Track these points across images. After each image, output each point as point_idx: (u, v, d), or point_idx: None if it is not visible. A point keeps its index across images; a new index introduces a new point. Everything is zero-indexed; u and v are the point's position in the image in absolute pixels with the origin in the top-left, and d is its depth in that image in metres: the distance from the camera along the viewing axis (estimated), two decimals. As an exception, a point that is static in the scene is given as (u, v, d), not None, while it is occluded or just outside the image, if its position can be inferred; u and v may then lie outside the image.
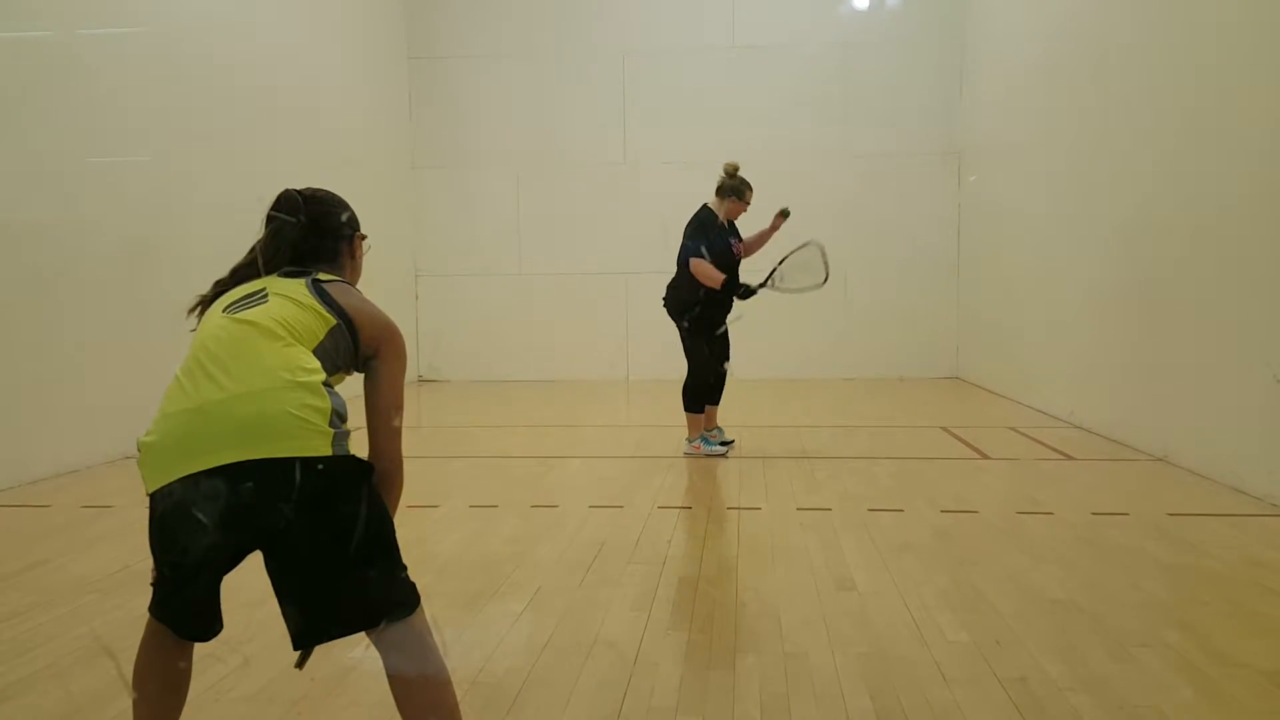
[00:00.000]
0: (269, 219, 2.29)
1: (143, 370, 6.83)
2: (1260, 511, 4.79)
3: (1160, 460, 6.02)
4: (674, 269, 6.54)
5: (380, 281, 12.02)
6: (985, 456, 6.48)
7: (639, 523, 4.75)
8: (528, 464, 6.46)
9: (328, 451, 1.93)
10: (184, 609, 2.11)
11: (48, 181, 6.00)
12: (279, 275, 2.19)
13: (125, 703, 2.71)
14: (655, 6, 11.60)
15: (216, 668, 2.97)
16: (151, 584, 2.12)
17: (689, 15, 11.55)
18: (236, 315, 2.03)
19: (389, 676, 2.08)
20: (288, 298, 2.08)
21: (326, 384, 2.01)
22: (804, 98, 11.35)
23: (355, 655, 3.07)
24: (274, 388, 1.92)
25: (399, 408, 2.20)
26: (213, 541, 1.93)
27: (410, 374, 11.96)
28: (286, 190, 2.31)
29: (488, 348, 11.86)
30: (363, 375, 2.19)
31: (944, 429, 7.61)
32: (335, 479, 1.94)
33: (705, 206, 6.58)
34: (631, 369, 11.64)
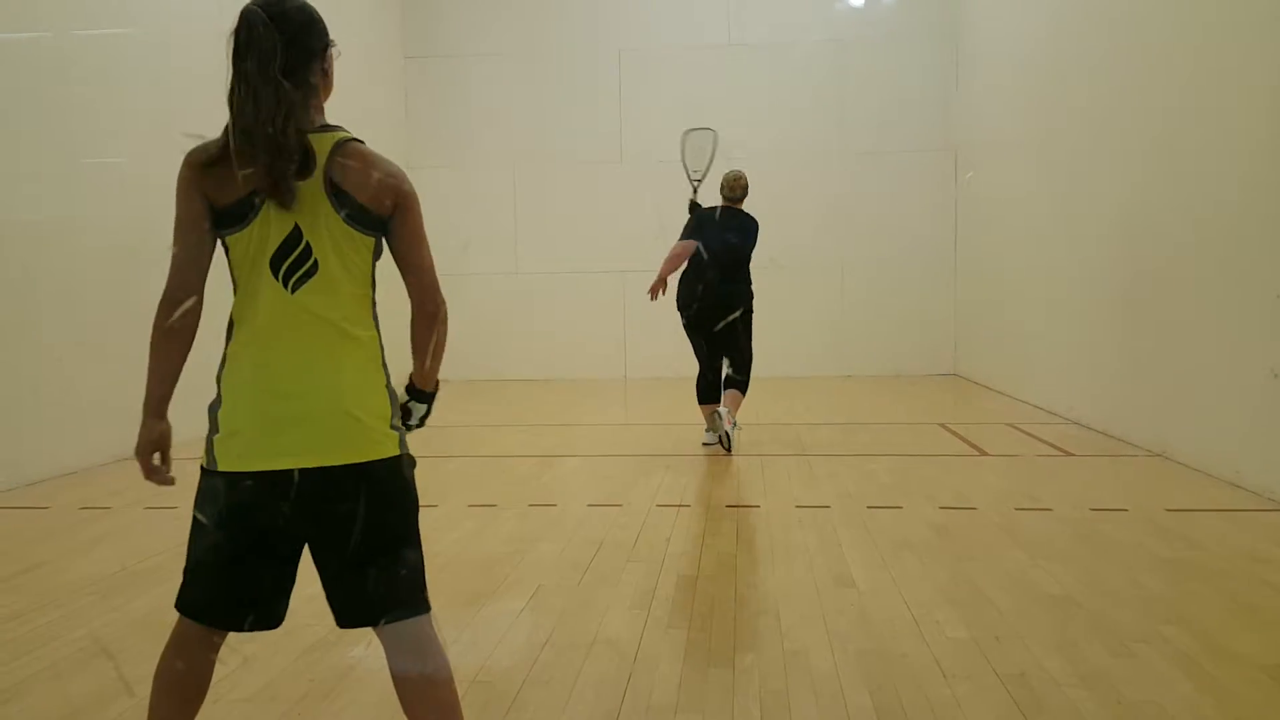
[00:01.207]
0: (245, 48, 2.02)
1: (139, 371, 6.83)
2: (1258, 506, 4.79)
3: (1158, 456, 6.02)
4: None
5: (378, 282, 12.01)
6: (984, 453, 6.48)
7: (638, 521, 4.75)
8: (526, 463, 6.46)
9: (395, 452, 2.05)
10: (232, 611, 2.08)
11: (43, 182, 5.99)
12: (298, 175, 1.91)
13: (124, 704, 2.72)
14: (652, 5, 11.62)
15: (216, 669, 2.97)
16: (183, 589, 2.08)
17: (685, 13, 11.56)
18: (296, 295, 1.95)
19: (396, 674, 2.09)
20: (333, 256, 1.96)
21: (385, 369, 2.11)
22: (800, 95, 11.36)
23: (355, 654, 3.07)
24: (350, 402, 1.98)
25: (429, 252, 2.18)
26: (280, 532, 2.00)
27: (405, 374, 11.96)
28: (251, 7, 2.03)
29: (485, 347, 11.84)
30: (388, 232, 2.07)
31: (942, 425, 7.62)
32: (396, 476, 2.05)
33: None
34: (629, 367, 11.64)
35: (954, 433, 7.28)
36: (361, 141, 2.01)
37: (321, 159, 1.94)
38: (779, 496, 5.25)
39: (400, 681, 2.08)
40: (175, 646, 2.09)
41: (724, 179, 6.86)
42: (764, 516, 4.84)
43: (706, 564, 4.01)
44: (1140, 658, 2.93)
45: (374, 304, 2.09)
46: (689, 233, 6.60)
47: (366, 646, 3.13)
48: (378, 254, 2.07)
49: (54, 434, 6.03)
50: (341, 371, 1.99)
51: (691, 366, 6.80)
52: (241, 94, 1.97)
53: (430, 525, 4.76)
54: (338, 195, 1.94)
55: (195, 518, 2.00)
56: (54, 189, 6.04)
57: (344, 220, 1.95)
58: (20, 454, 5.76)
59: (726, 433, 6.44)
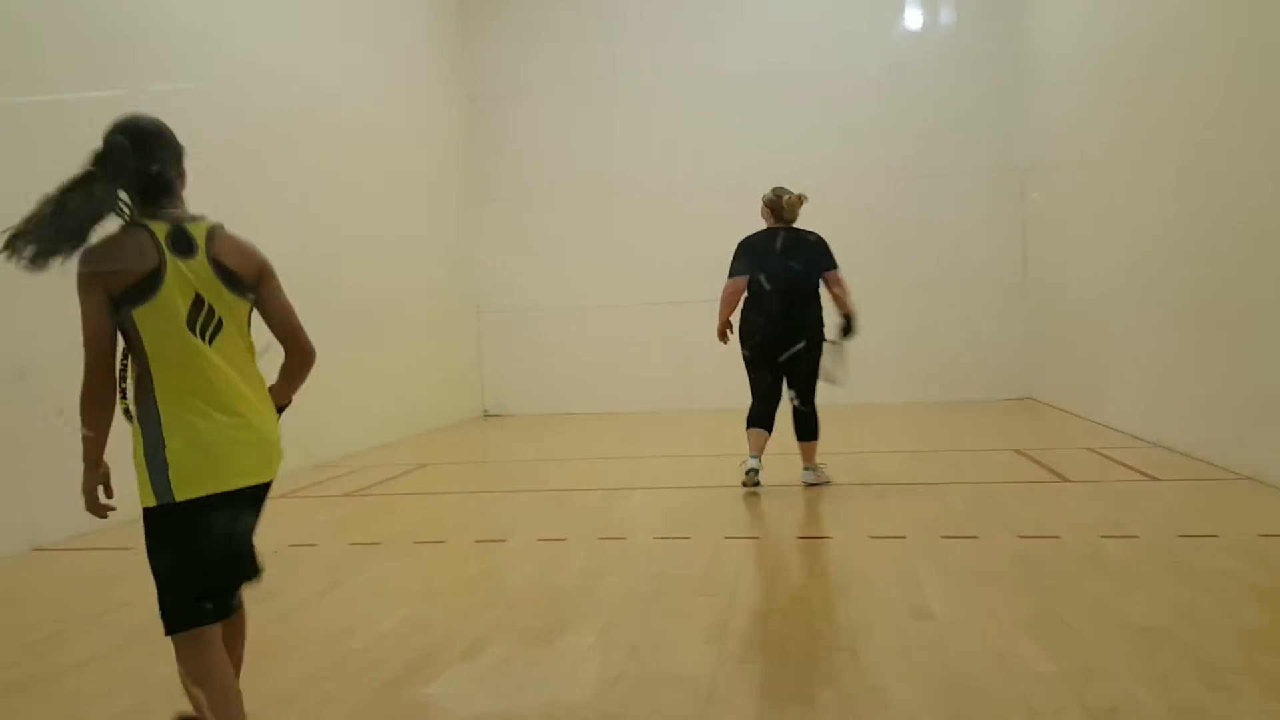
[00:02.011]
0: (114, 168, 2.44)
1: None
2: (1359, 530, 4.57)
3: (1248, 479, 5.79)
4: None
5: (442, 319, 12.20)
6: (1063, 479, 6.31)
7: (707, 554, 4.70)
8: (593, 496, 6.45)
9: None
10: (227, 593, 2.55)
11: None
12: (186, 256, 2.41)
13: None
14: (706, 34, 11.67)
15: (295, 706, 2.99)
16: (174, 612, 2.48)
17: (740, 41, 11.59)
18: (213, 346, 2.42)
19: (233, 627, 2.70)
20: (231, 315, 2.47)
21: None
22: (860, 119, 11.29)
23: (430, 691, 3.07)
24: (273, 424, 2.55)
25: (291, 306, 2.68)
26: (242, 533, 2.54)
27: (475, 409, 12.10)
28: (117, 138, 2.51)
29: (549, 381, 11.93)
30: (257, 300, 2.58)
31: (1018, 451, 7.43)
32: None
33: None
34: (693, 399, 11.59)
35: (1031, 458, 7.09)
36: (223, 225, 2.53)
37: (201, 240, 2.43)
38: (851, 527, 5.16)
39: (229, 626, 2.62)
40: (203, 651, 2.49)
41: (782, 201, 6.28)
42: (836, 548, 4.76)
43: (778, 597, 3.95)
44: (1238, 691, 2.79)
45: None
46: (740, 265, 6.17)
47: (441, 684, 3.13)
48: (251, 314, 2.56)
49: (131, 477, 6.17)
50: (265, 402, 2.54)
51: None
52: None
53: (499, 560, 4.80)
54: (219, 269, 2.44)
55: (165, 543, 2.44)
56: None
57: (226, 288, 2.44)
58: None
59: (755, 469, 6.08)
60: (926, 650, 3.25)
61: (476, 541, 5.32)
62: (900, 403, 11.05)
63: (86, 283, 2.34)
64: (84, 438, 2.45)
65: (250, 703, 3.01)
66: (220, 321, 2.43)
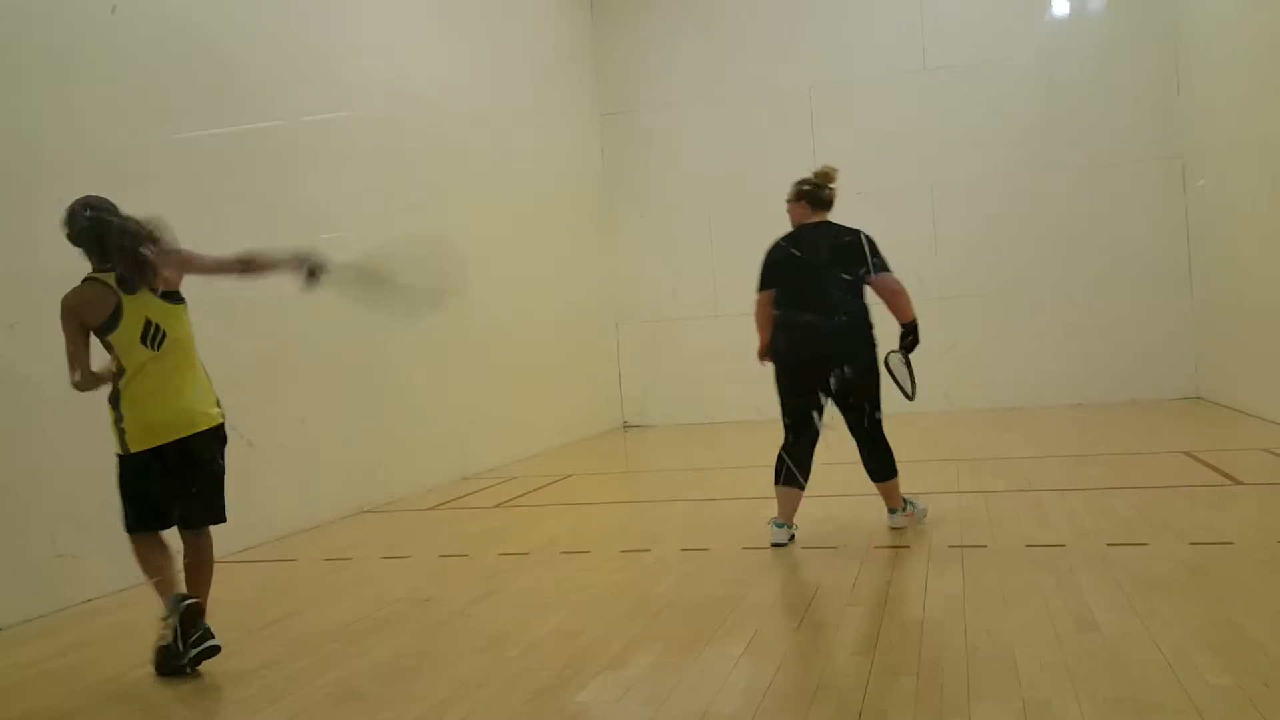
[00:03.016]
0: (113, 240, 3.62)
1: (373, 426, 7.31)
2: None
3: None
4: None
5: (581, 332, 12.38)
6: (1237, 482, 5.91)
7: (855, 563, 4.61)
8: (737, 505, 6.42)
9: (219, 420, 3.84)
10: (157, 512, 3.80)
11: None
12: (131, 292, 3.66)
13: (370, 745, 2.86)
14: (840, 37, 11.50)
15: (450, 713, 3.09)
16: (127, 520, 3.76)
17: (876, 41, 11.37)
18: (159, 351, 3.68)
19: (195, 554, 3.84)
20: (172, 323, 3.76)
21: None
22: (1006, 115, 10.91)
23: (582, 698, 3.11)
24: (193, 398, 3.76)
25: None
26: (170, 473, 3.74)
27: (615, 421, 12.24)
28: (100, 217, 3.62)
29: (689, 391, 11.94)
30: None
31: (1187, 453, 7.01)
32: (220, 431, 3.85)
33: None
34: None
35: (1202, 461, 6.68)
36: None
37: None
38: (1007, 535, 4.97)
39: (189, 567, 3.81)
40: (140, 553, 3.81)
41: (821, 179, 5.37)
42: (992, 556, 4.59)
43: (932, 608, 3.84)
44: None
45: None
46: (763, 277, 5.29)
47: (592, 692, 3.18)
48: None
49: (298, 491, 6.52)
50: (193, 382, 3.78)
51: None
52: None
53: (643, 570, 4.84)
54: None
55: (124, 479, 3.72)
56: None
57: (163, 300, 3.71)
58: (271, 511, 6.25)
59: (792, 534, 5.08)
60: (1092, 662, 3.10)
61: (621, 551, 5.37)
62: (1061, 405, 10.59)
63: (66, 316, 3.58)
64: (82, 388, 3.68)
65: (409, 710, 3.13)
66: (164, 333, 3.67)
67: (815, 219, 5.22)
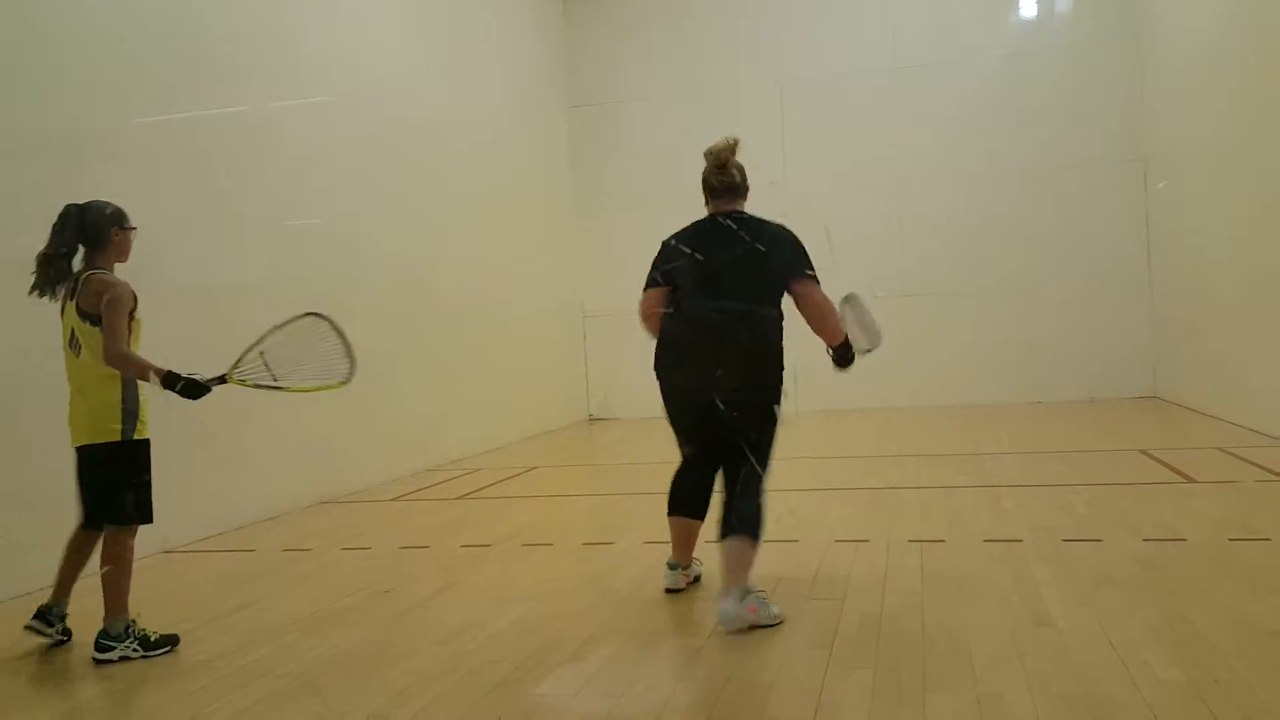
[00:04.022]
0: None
1: (335, 416, 7.25)
2: None
3: (1398, 479, 5.43)
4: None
5: (548, 324, 12.35)
6: (1191, 480, 6.02)
7: (816, 557, 4.65)
8: (701, 499, 6.42)
9: (116, 438, 3.81)
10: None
11: (255, 245, 6.48)
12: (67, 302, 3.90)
13: (326, 737, 2.84)
14: (811, 34, 11.55)
15: (407, 708, 3.07)
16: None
17: (846, 40, 11.44)
18: (80, 358, 3.84)
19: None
20: (86, 339, 3.85)
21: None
22: (973, 114, 11.02)
23: (540, 691, 3.11)
24: (83, 411, 3.90)
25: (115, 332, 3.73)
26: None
27: (580, 413, 12.23)
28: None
29: (654, 385, 11.93)
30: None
31: (1143, 452, 7.13)
32: (116, 449, 3.83)
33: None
34: (800, 400, 11.44)
35: (1157, 459, 6.79)
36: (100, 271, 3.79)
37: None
38: (965, 531, 5.02)
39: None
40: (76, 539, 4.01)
41: (710, 160, 4.33)
42: (950, 552, 4.64)
43: (890, 602, 3.87)
44: (1391, 706, 2.62)
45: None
46: (656, 272, 4.35)
47: (552, 684, 3.17)
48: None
49: (257, 480, 6.45)
50: (87, 394, 3.82)
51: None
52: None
53: (606, 563, 4.84)
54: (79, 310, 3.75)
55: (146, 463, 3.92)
56: (258, 252, 6.52)
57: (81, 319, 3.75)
58: (230, 501, 6.18)
59: (697, 575, 4.31)
60: (1046, 657, 3.14)
61: (584, 544, 5.37)
62: (1021, 402, 10.73)
63: (126, 302, 3.76)
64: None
65: (368, 701, 3.12)
66: (79, 342, 3.78)
67: (722, 211, 4.26)
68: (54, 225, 3.75)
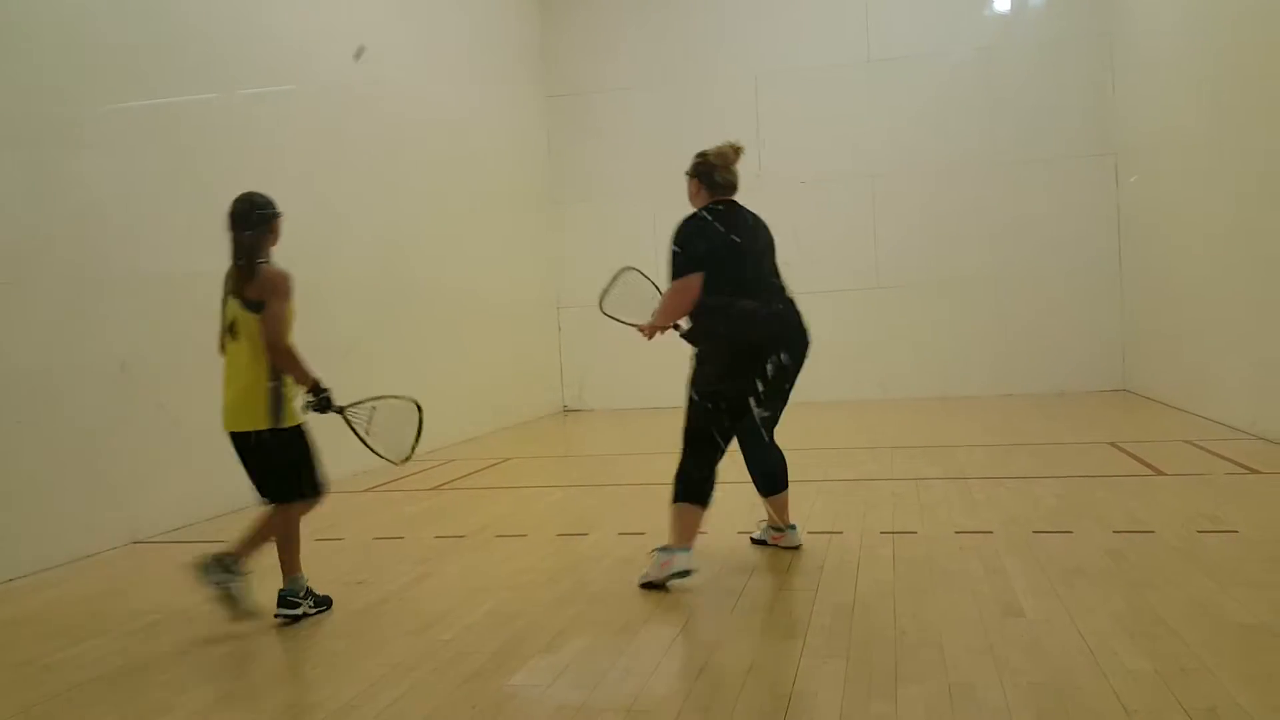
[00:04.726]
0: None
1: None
2: None
3: (1360, 472, 5.53)
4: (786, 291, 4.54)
5: (522, 315, 12.32)
6: (1159, 472, 6.10)
7: (790, 549, 4.66)
8: (676, 490, 6.44)
9: (267, 425, 3.94)
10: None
11: (215, 235, 6.39)
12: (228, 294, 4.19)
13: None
14: (786, 27, 11.56)
15: (384, 694, 3.06)
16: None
17: (821, 33, 11.46)
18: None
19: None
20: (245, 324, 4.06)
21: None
22: (946, 108, 11.07)
23: (515, 681, 3.11)
24: (238, 396, 4.04)
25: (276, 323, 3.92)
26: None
27: (555, 404, 12.21)
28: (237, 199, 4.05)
29: (629, 376, 11.95)
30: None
31: (1112, 444, 7.21)
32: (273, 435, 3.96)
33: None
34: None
35: (1126, 452, 6.87)
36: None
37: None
38: (937, 522, 5.07)
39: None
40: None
41: (719, 156, 4.79)
42: (922, 543, 4.68)
43: (863, 592, 3.90)
44: (1351, 694, 2.67)
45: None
46: (701, 253, 4.38)
47: (526, 675, 3.17)
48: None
49: (229, 470, 6.35)
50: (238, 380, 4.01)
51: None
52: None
53: (580, 554, 4.84)
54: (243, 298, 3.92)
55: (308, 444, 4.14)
56: (224, 241, 6.44)
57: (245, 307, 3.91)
58: (201, 491, 6.12)
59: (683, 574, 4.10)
60: (1016, 647, 3.17)
61: (558, 535, 5.37)
62: (992, 395, 10.82)
63: (289, 290, 3.99)
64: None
65: (341, 692, 3.11)
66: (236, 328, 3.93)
67: (733, 200, 4.71)
68: (234, 220, 3.97)
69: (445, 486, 7.06)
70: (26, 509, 4.96)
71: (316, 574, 4.66)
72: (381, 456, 4.15)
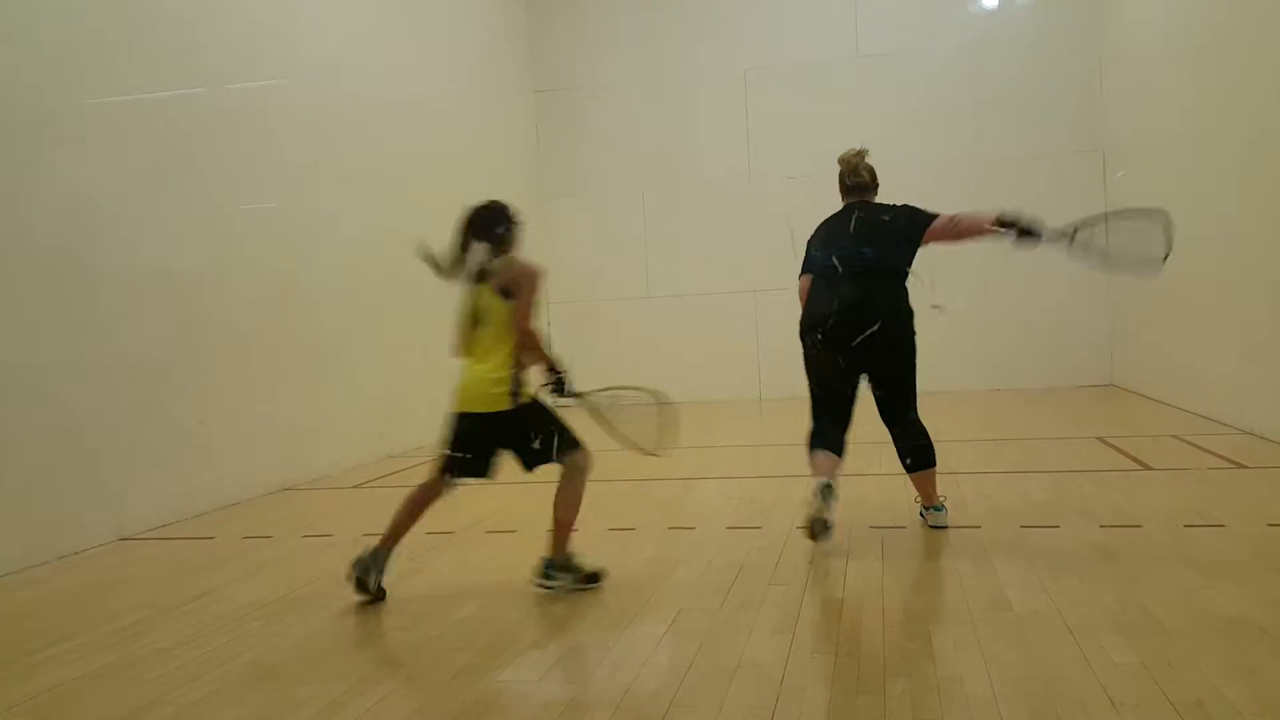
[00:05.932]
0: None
1: (295, 403, 7.18)
2: None
3: (1345, 466, 5.57)
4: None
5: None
6: (1147, 467, 6.13)
7: (778, 544, 4.68)
8: (664, 486, 6.45)
9: (508, 406, 4.16)
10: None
11: (210, 229, 6.37)
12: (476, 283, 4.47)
13: (287, 725, 2.82)
14: (776, 22, 11.56)
15: (373, 691, 3.06)
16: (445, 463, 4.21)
17: (810, 28, 11.46)
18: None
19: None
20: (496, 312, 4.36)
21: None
22: (934, 103, 11.09)
23: (504, 677, 3.11)
24: (480, 378, 4.30)
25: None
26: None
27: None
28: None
29: (620, 371, 11.90)
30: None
31: (1100, 439, 7.24)
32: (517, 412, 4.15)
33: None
34: (764, 387, 11.53)
35: (1113, 446, 6.91)
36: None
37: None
38: (926, 516, 5.08)
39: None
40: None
41: (841, 162, 5.58)
42: (910, 538, 4.69)
43: (852, 587, 3.91)
44: (1336, 687, 2.69)
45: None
46: (811, 256, 5.14)
47: (514, 670, 3.17)
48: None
49: (217, 467, 6.37)
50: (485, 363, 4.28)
51: None
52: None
53: (571, 549, 4.82)
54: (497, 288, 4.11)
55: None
56: (214, 235, 6.42)
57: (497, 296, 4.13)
58: (189, 487, 6.10)
59: (825, 520, 4.38)
60: (1004, 641, 3.19)
61: (548, 531, 5.35)
62: (979, 389, 10.85)
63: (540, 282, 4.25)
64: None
65: (329, 688, 3.10)
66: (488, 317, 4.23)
67: (858, 200, 5.55)
68: (482, 221, 4.47)
69: (434, 482, 7.03)
70: (13, 506, 4.93)
71: (306, 570, 4.66)
72: (633, 444, 4.43)
